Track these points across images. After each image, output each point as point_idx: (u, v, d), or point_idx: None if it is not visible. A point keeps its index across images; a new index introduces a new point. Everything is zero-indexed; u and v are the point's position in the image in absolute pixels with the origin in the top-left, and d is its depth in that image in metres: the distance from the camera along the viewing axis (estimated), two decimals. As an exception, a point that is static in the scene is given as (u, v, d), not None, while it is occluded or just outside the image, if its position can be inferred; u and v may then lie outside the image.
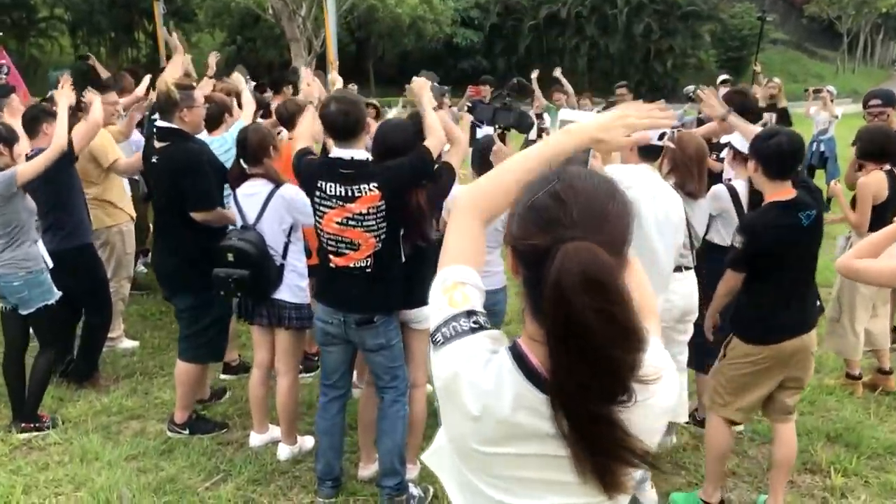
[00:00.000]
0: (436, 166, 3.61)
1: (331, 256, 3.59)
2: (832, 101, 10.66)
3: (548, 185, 1.27)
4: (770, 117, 9.35)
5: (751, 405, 3.63)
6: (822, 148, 10.69)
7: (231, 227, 4.13)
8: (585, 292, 1.12)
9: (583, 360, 1.14)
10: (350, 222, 3.48)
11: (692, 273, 4.04)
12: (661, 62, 37.46)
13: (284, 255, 4.07)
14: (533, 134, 11.54)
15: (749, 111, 4.92)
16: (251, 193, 4.06)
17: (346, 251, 3.53)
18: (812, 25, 46.32)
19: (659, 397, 1.28)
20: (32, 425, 4.49)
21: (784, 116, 9.04)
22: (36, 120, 4.83)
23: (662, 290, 3.66)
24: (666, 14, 36.79)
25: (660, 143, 3.49)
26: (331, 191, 3.48)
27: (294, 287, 4.09)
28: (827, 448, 4.40)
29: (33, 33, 38.68)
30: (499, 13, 38.96)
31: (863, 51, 45.56)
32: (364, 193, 3.42)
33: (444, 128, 3.73)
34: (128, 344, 5.87)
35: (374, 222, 3.44)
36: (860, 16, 41.71)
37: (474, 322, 1.31)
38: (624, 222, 1.28)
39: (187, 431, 4.48)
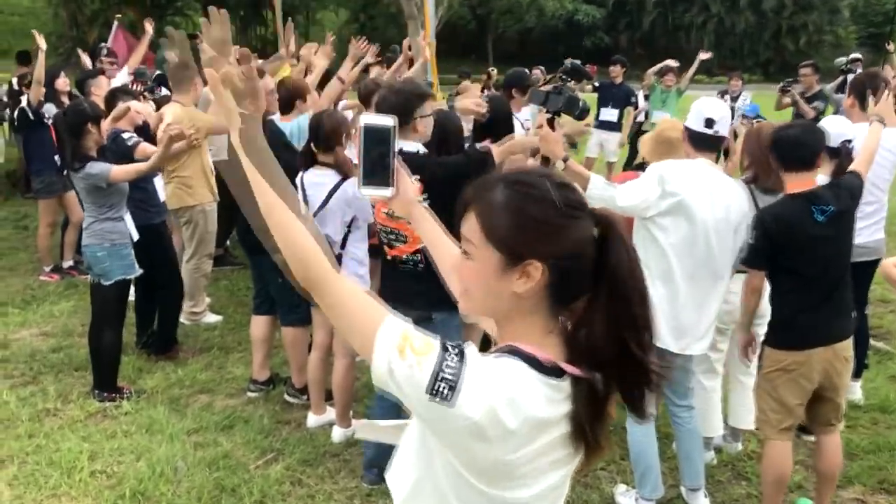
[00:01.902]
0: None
1: (385, 247, 3.61)
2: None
3: (540, 186, 1.32)
4: None
5: (793, 419, 3.44)
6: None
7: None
8: (627, 251, 1.32)
9: (632, 312, 1.29)
10: (396, 213, 3.46)
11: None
12: (793, 39, 35.53)
13: (343, 245, 4.09)
14: (641, 117, 11.20)
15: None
16: (318, 182, 4.09)
17: (397, 243, 3.54)
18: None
19: None
20: (113, 395, 4.73)
21: None
22: (114, 100, 5.07)
23: (719, 296, 3.46)
24: (801, -13, 34.88)
25: (709, 132, 3.29)
26: None
27: (352, 274, 4.11)
28: (910, 467, 4.08)
29: (170, 11, 40.67)
30: (623, -12, 37.98)
31: None
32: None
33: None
34: (211, 318, 6.11)
35: None
36: None
37: (455, 351, 1.26)
38: None
39: (305, 397, 4.68)
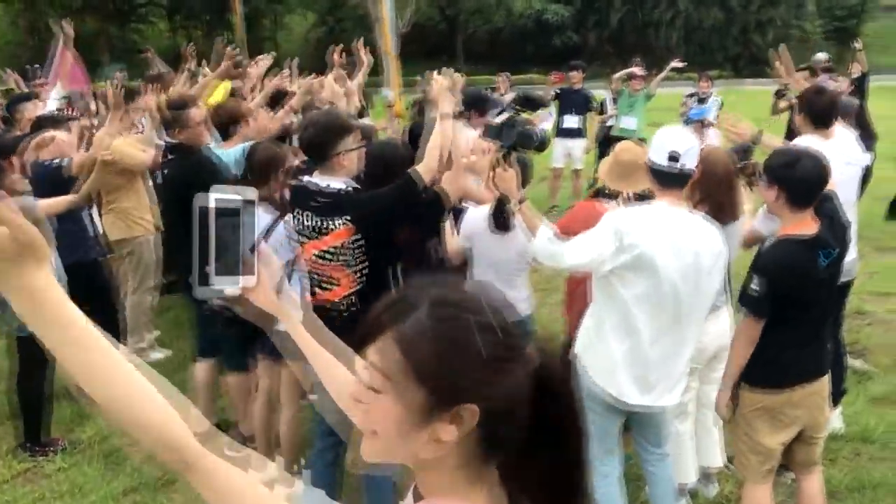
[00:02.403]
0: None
1: (317, 291, 3.31)
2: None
3: (476, 308, 1.04)
4: None
5: (774, 461, 3.22)
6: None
7: None
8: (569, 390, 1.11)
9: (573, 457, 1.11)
10: (326, 255, 3.19)
11: (725, 310, 3.58)
12: (760, 34, 35.51)
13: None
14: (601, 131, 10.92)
15: (825, 114, 4.33)
16: None
17: (329, 287, 3.25)
18: (933, -10, 43.01)
19: None
20: (45, 449, 4.40)
21: None
22: (40, 130, 4.76)
23: (691, 343, 3.17)
24: (767, -18, 34.91)
25: (675, 168, 2.96)
26: (306, 221, 3.20)
27: (296, 317, 3.81)
28: (896, 505, 3.85)
29: (133, 18, 40.03)
30: (591, -14, 37.81)
31: None
32: (336, 227, 3.12)
33: (453, 145, 3.41)
34: (158, 354, 5.76)
35: (350, 257, 3.14)
36: None
37: None
38: None
39: (253, 446, 4.29)
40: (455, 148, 3.47)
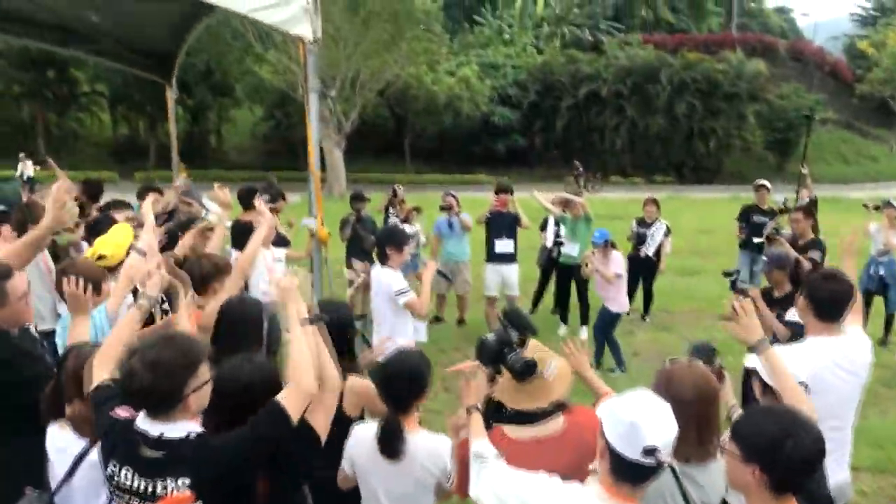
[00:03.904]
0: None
1: None
2: (898, 221, 9.10)
3: None
4: None
5: None
6: (882, 271, 9.20)
7: (29, 489, 2.90)
8: None
9: None
10: None
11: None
12: (703, 142, 36.13)
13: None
14: (549, 239, 10.38)
15: (836, 306, 3.53)
16: (62, 447, 2.86)
17: None
18: (864, 104, 44.66)
19: None
20: None
21: None
22: None
23: None
24: (709, 94, 35.61)
25: (651, 462, 2.04)
26: (126, 480, 2.29)
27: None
28: None
29: (74, 107, 39.19)
30: (538, 91, 38.19)
31: (918, 131, 43.56)
32: (168, 491, 2.23)
33: (319, 363, 2.60)
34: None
35: None
36: (915, 96, 40.01)
37: None
38: None
39: None
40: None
